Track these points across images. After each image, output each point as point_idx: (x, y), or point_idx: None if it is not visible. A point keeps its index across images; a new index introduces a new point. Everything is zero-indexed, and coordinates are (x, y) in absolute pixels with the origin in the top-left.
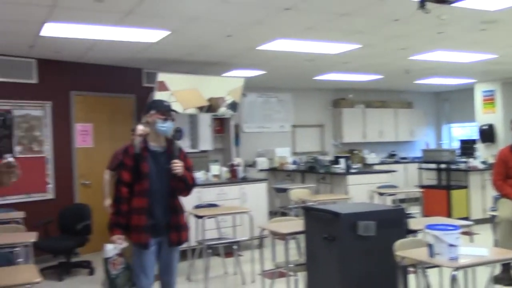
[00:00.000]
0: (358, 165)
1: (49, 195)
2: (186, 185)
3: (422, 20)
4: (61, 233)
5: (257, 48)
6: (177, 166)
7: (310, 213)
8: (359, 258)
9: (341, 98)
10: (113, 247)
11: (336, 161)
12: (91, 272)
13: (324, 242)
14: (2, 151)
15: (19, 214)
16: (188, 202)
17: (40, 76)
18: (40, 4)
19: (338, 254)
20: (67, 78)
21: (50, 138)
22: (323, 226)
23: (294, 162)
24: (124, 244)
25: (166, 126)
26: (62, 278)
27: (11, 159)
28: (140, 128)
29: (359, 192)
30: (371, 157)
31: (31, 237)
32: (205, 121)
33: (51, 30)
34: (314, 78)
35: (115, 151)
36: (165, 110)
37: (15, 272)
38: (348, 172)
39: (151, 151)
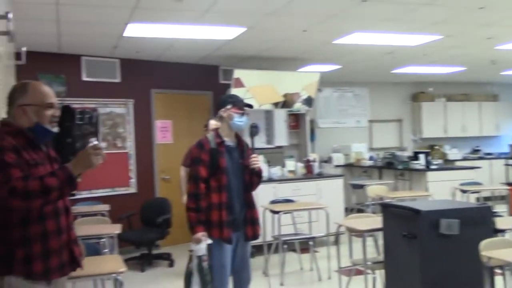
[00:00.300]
0: (439, 161)
1: (132, 189)
2: (260, 179)
3: (510, 7)
4: (143, 226)
5: (334, 42)
6: (256, 160)
7: (389, 210)
8: (441, 257)
9: (420, 92)
10: (205, 245)
11: (415, 157)
12: (171, 264)
13: (404, 240)
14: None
15: (105, 207)
16: (264, 197)
17: (122, 75)
18: (123, 6)
19: (419, 253)
20: (147, 76)
21: (133, 135)
22: (402, 224)
23: (371, 158)
24: (209, 241)
25: (243, 121)
26: (144, 269)
27: (96, 142)
28: (213, 123)
29: (440, 189)
30: (453, 153)
31: (116, 229)
32: (281, 117)
33: (133, 30)
34: (392, 71)
35: (189, 148)
36: (242, 105)
37: (102, 261)
38: (428, 168)
39: (226, 146)
